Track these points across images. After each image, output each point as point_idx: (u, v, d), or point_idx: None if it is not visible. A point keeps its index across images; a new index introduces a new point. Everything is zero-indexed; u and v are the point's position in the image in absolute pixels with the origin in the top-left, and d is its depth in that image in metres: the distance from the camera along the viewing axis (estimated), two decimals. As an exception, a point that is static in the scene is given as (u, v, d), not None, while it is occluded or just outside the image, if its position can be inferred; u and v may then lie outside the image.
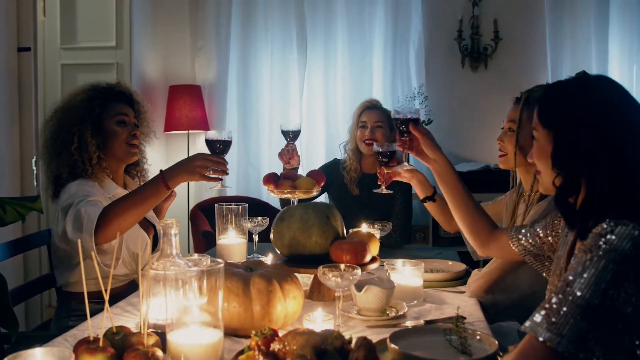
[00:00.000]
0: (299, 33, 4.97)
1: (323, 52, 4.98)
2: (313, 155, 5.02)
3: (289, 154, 2.46)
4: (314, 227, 1.86)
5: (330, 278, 1.59)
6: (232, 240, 2.42)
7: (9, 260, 2.28)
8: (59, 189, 2.19)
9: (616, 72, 4.83)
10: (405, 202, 3.01)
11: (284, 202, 2.69)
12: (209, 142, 2.04)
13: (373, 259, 1.90)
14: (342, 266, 1.64)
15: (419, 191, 2.26)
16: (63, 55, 4.56)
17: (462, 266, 2.22)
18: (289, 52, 4.99)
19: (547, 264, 1.70)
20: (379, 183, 2.12)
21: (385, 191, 2.12)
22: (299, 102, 4.99)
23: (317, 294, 1.88)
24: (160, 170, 2.00)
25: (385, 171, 2.10)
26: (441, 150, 1.94)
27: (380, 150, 2.06)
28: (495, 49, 4.94)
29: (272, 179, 2.12)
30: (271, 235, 1.95)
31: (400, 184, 3.01)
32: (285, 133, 2.49)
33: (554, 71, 4.94)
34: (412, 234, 4.55)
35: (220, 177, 2.00)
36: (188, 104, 4.77)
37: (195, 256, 1.84)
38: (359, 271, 1.61)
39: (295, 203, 2.15)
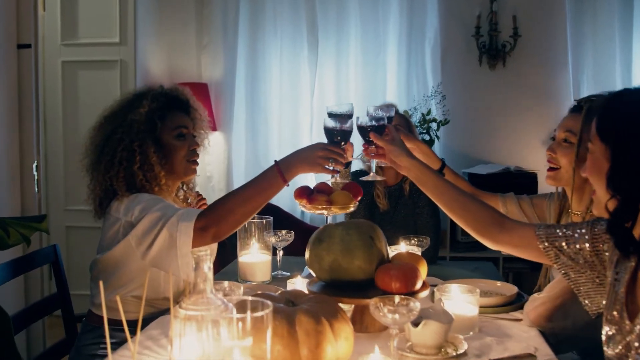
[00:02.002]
0: (310, 29, 4.77)
1: (335, 48, 4.78)
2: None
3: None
4: (357, 250, 1.66)
5: (385, 314, 1.38)
6: (255, 257, 2.22)
7: (10, 281, 2.06)
8: (108, 202, 1.97)
9: (641, 70, 4.64)
10: (432, 210, 2.79)
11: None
12: (329, 130, 1.84)
13: (422, 285, 1.69)
14: (397, 298, 1.43)
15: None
16: (64, 52, 4.36)
17: (513, 288, 2.02)
18: (299, 48, 4.79)
19: (576, 275, 1.51)
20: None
21: (377, 177, 1.93)
22: (309, 102, 4.80)
23: (360, 324, 1.68)
24: (275, 161, 1.82)
25: (370, 152, 1.86)
26: (412, 155, 1.79)
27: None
28: (514, 46, 4.76)
29: (304, 193, 1.91)
30: (307, 257, 1.74)
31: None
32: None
33: (575, 70, 4.78)
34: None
35: (338, 169, 1.84)
36: None
37: (226, 285, 1.63)
38: (416, 305, 1.40)
39: (329, 220, 1.94)
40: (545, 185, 4.73)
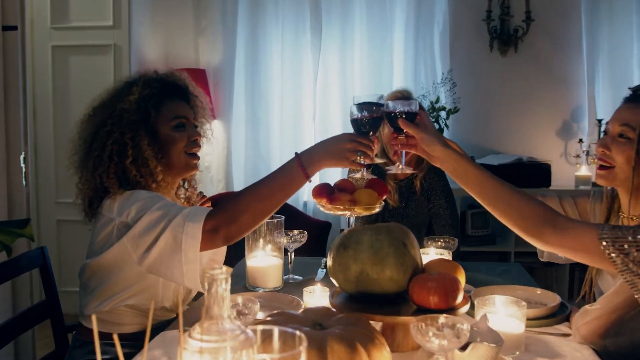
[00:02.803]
0: (313, 13, 4.56)
1: (339, 33, 4.60)
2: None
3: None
4: (389, 259, 1.45)
5: (430, 338, 1.17)
6: (265, 261, 2.01)
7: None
8: (99, 201, 1.76)
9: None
10: (449, 203, 2.58)
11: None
12: (357, 120, 1.62)
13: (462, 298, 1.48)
14: (442, 318, 1.22)
15: None
16: (54, 36, 4.13)
17: (555, 297, 1.82)
18: (302, 33, 4.60)
19: None
20: (393, 158, 1.69)
21: (406, 170, 1.70)
22: (312, 89, 4.61)
23: (391, 343, 1.46)
24: (296, 154, 1.62)
25: (399, 142, 1.66)
26: (447, 145, 1.58)
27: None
28: (527, 31, 4.58)
29: (325, 191, 1.69)
30: (329, 264, 1.53)
31: (438, 183, 2.60)
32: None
33: (590, 55, 4.62)
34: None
35: (366, 163, 1.62)
36: None
37: (239, 301, 1.42)
38: (465, 327, 1.20)
39: (352, 221, 1.73)
40: (559, 177, 4.67)
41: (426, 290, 1.41)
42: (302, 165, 1.59)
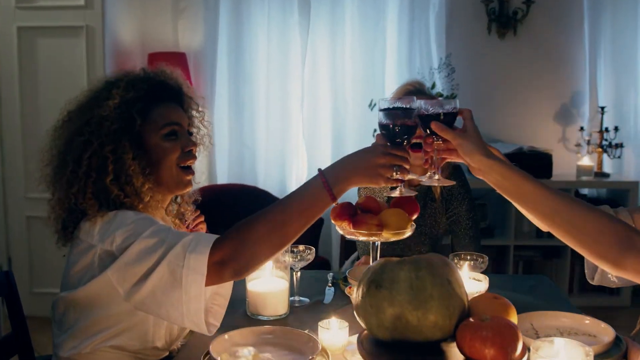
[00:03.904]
0: (301, -9, 4.27)
1: (329, 14, 4.33)
2: (316, 140, 4.35)
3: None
4: (433, 301, 1.19)
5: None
6: (269, 286, 1.75)
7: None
8: (75, 223, 1.48)
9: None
10: (470, 211, 2.32)
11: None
12: (388, 127, 1.37)
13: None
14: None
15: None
16: (19, 16, 3.79)
17: (608, 330, 1.58)
18: (289, 13, 4.31)
19: None
20: (425, 167, 1.45)
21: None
22: (300, 73, 4.35)
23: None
24: (320, 170, 1.37)
25: (436, 148, 1.42)
26: (490, 153, 1.34)
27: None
28: (527, 13, 4.39)
29: (346, 213, 1.43)
30: (357, 303, 1.28)
31: (459, 187, 2.32)
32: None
33: (592, 38, 4.45)
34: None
35: (402, 179, 1.38)
36: None
37: (245, 354, 1.16)
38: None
39: (377, 246, 1.47)
40: (560, 167, 4.47)
41: (480, 341, 1.16)
42: (327, 184, 1.33)
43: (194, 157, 1.60)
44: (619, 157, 4.35)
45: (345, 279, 2.04)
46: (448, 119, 1.39)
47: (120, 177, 1.45)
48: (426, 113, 1.39)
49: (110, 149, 1.45)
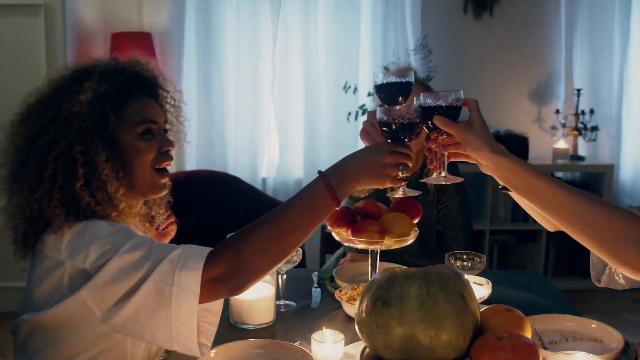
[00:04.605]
0: (272, -32, 4.10)
1: (301, -8, 4.17)
2: (288, 123, 4.21)
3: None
4: (446, 320, 1.09)
5: None
6: (255, 291, 1.62)
7: None
8: (38, 235, 1.31)
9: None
10: (463, 204, 2.22)
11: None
12: (388, 124, 1.28)
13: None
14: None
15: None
16: (-30, -7, 3.51)
17: (615, 335, 1.50)
18: (259, -9, 4.14)
19: None
20: (430, 167, 1.36)
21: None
22: (271, 54, 4.21)
23: None
24: (321, 173, 1.26)
25: (441, 144, 1.33)
26: (498, 149, 1.26)
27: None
28: (504, -8, 4.25)
29: (345, 219, 1.31)
30: (360, 320, 1.17)
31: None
32: (383, 89, 1.39)
33: (568, 19, 4.39)
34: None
35: (406, 177, 1.31)
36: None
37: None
38: None
39: (377, 253, 1.36)
40: (535, 150, 4.42)
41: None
42: (330, 187, 1.22)
43: (171, 158, 1.45)
44: (594, 140, 4.32)
45: (332, 279, 1.93)
46: (452, 112, 1.28)
47: (91, 182, 1.30)
48: (428, 106, 1.28)
49: (80, 150, 1.29)
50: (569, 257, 4.35)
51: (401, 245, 1.34)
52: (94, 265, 1.21)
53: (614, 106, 4.37)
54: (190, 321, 1.17)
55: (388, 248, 1.33)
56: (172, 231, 1.70)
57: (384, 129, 1.27)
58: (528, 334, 1.21)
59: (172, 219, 1.69)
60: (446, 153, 1.33)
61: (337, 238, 1.35)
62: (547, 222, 1.60)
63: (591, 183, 4.31)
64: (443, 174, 1.32)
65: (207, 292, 1.18)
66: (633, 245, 1.14)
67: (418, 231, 1.39)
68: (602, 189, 4.17)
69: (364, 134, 1.46)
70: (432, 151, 1.36)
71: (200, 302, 1.18)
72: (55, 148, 1.28)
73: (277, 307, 1.74)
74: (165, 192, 1.48)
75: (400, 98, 1.38)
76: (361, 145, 1.36)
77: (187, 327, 1.18)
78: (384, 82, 1.39)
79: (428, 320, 1.09)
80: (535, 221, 4.56)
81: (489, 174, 1.29)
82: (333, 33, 4.17)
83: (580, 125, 4.28)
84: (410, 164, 1.29)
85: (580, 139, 4.32)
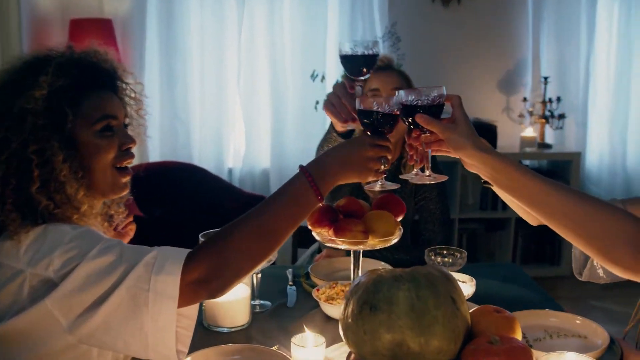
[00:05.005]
0: (237, -47, 3.98)
1: (266, -22, 4.05)
2: (255, 112, 4.12)
3: (350, 102, 1.42)
4: (437, 325, 1.04)
5: None
6: (230, 293, 1.54)
7: None
8: None
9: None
10: (441, 196, 2.17)
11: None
12: (369, 115, 1.24)
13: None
14: None
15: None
16: None
17: (599, 331, 1.47)
18: (223, -25, 4.01)
19: None
20: (410, 164, 1.32)
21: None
22: (237, 41, 4.08)
23: None
24: (303, 167, 1.22)
25: (424, 142, 1.29)
26: (483, 146, 1.21)
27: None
28: (471, -20, 4.22)
29: (327, 218, 1.25)
30: (345, 326, 1.11)
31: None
32: (347, 59, 1.38)
33: (535, 8, 4.35)
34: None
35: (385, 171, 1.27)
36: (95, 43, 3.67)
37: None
38: None
39: (360, 253, 1.30)
40: (504, 138, 4.42)
41: (492, 369, 1.02)
42: (313, 182, 1.17)
43: (132, 156, 1.36)
44: (561, 128, 4.34)
45: (307, 276, 1.87)
46: (434, 110, 1.23)
47: (48, 183, 1.20)
48: (409, 104, 1.22)
49: (34, 150, 1.18)
50: (537, 244, 4.38)
51: (386, 245, 1.28)
52: (59, 272, 1.12)
53: (580, 94, 4.39)
54: (168, 328, 1.11)
55: (372, 248, 1.27)
56: (131, 231, 1.61)
57: (365, 121, 1.22)
58: (518, 335, 1.17)
59: (131, 219, 1.59)
60: (429, 150, 1.28)
61: (318, 238, 1.29)
62: (530, 216, 1.56)
63: (558, 171, 4.34)
64: (427, 172, 1.28)
65: (187, 296, 1.11)
66: (621, 242, 1.10)
67: (402, 230, 1.33)
68: (569, 176, 4.20)
69: (328, 105, 1.47)
70: (412, 147, 1.31)
71: (179, 306, 1.11)
72: (5, 148, 1.19)
73: (252, 307, 1.67)
74: (126, 192, 1.39)
75: (364, 69, 1.38)
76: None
77: (166, 334, 1.11)
78: (350, 52, 1.38)
79: (418, 326, 1.04)
80: (504, 209, 4.61)
81: (474, 171, 1.25)
82: (300, 21, 4.08)
83: (547, 114, 4.29)
84: (390, 157, 1.25)
85: (547, 127, 4.33)
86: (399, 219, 1.33)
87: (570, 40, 4.35)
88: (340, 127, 1.68)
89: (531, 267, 4.33)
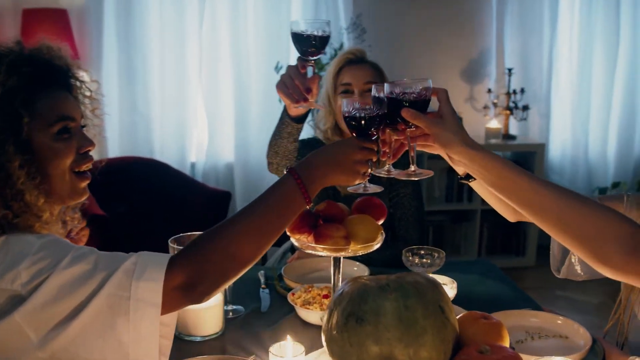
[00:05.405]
0: (197, -59, 3.87)
1: (228, -32, 3.95)
2: (218, 105, 4.02)
3: (302, 82, 1.45)
4: (426, 335, 0.99)
5: None
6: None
7: None
8: None
9: None
10: (416, 193, 2.13)
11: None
12: (355, 119, 1.19)
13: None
14: None
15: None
16: None
17: (580, 332, 1.45)
18: (183, -34, 3.89)
19: None
20: (382, 158, 1.28)
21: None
22: (198, 32, 3.97)
23: None
24: (291, 169, 1.17)
25: (395, 137, 1.27)
26: (472, 143, 1.17)
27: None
28: (435, -30, 4.20)
29: (307, 223, 1.19)
30: (328, 336, 1.05)
31: (405, 165, 2.12)
32: (299, 38, 1.40)
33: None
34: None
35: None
36: (51, 34, 3.42)
37: None
38: None
39: (341, 260, 1.24)
40: (468, 130, 4.37)
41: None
42: (302, 184, 1.14)
43: (91, 159, 1.27)
44: (525, 119, 4.35)
45: (280, 278, 1.81)
46: (420, 104, 1.18)
47: (4, 192, 1.12)
48: (395, 98, 1.17)
49: None
50: (502, 235, 4.40)
51: (368, 251, 1.23)
52: (27, 286, 1.04)
53: (543, 85, 4.41)
54: (151, 338, 1.05)
55: (354, 254, 1.22)
56: (84, 237, 1.52)
57: (352, 123, 1.17)
58: (506, 341, 1.13)
59: (84, 224, 1.51)
60: (415, 145, 1.23)
61: (296, 245, 1.23)
62: (508, 212, 1.53)
63: (522, 162, 4.36)
64: (412, 168, 1.23)
65: (170, 302, 1.06)
66: (614, 244, 1.07)
67: (384, 235, 1.28)
68: (533, 167, 4.22)
69: (281, 86, 1.49)
70: (386, 143, 1.27)
71: (162, 314, 1.05)
72: None
73: (225, 313, 1.60)
74: (86, 197, 1.31)
75: (315, 50, 1.41)
76: None
77: (148, 344, 1.05)
78: (301, 32, 1.39)
79: (407, 338, 0.99)
80: (469, 201, 4.59)
81: (460, 168, 1.21)
82: (263, 12, 3.99)
83: (511, 105, 4.30)
84: (375, 159, 1.21)
85: (511, 118, 4.35)
86: (380, 222, 1.28)
87: (533, 31, 4.37)
88: (293, 109, 1.67)
89: (497, 258, 4.35)
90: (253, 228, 1.11)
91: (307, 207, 1.15)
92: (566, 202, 1.11)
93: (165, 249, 1.43)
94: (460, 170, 1.32)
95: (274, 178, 1.31)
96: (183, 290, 1.06)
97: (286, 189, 1.15)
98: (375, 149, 1.20)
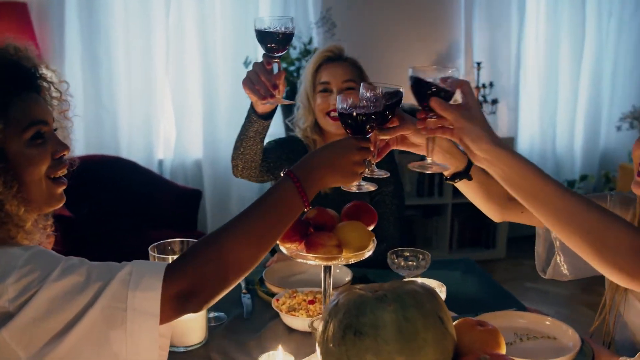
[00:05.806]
0: None
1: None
2: (185, 100, 3.93)
3: (268, 78, 1.45)
4: (427, 347, 0.96)
5: None
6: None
7: None
8: None
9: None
10: (397, 191, 2.10)
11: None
12: (352, 117, 1.15)
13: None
14: None
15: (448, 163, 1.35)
16: None
17: (569, 333, 1.44)
18: (149, -43, 3.79)
19: None
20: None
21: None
22: (164, 27, 3.88)
23: None
24: (289, 171, 1.14)
25: (381, 137, 1.24)
26: (498, 140, 1.12)
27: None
28: (404, -37, 4.17)
29: (298, 231, 1.15)
30: (324, 349, 1.02)
31: (387, 163, 2.06)
32: (264, 35, 1.40)
33: None
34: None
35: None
36: (10, 29, 3.35)
37: None
38: None
39: (331, 269, 1.20)
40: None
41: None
42: (301, 187, 1.11)
43: (66, 164, 1.22)
44: (494, 113, 4.38)
45: (261, 282, 1.76)
46: (446, 95, 1.11)
47: None
48: (425, 82, 1.10)
49: None
50: (472, 229, 4.43)
51: (360, 259, 1.19)
52: (15, 301, 0.98)
53: (512, 79, 4.45)
54: (150, 350, 1.01)
55: (346, 262, 1.18)
56: (50, 244, 1.46)
57: (349, 121, 1.13)
58: (503, 349, 1.11)
59: (52, 229, 1.45)
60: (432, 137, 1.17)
61: (286, 253, 1.19)
62: (494, 212, 1.51)
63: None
64: (429, 160, 1.18)
65: (168, 312, 1.01)
66: (630, 253, 1.06)
67: (376, 242, 1.25)
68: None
69: (247, 82, 1.49)
70: (371, 141, 1.23)
71: (160, 324, 1.01)
72: None
73: (207, 321, 1.55)
74: (62, 203, 1.25)
75: (279, 46, 1.41)
76: None
77: (147, 356, 1.01)
78: (264, 28, 1.40)
79: (407, 350, 0.96)
80: (440, 195, 4.59)
81: (483, 166, 1.14)
82: (231, 6, 3.92)
83: (480, 99, 4.32)
84: (370, 158, 1.20)
85: (481, 112, 4.37)
86: (371, 228, 1.25)
87: (501, 25, 4.39)
88: (260, 105, 1.64)
89: (467, 251, 4.38)
90: (252, 233, 1.08)
91: (305, 210, 1.12)
92: (588, 209, 1.08)
93: (134, 250, 1.39)
94: (456, 166, 1.30)
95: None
96: (182, 298, 1.02)
97: (284, 192, 1.11)
98: (371, 148, 1.17)
